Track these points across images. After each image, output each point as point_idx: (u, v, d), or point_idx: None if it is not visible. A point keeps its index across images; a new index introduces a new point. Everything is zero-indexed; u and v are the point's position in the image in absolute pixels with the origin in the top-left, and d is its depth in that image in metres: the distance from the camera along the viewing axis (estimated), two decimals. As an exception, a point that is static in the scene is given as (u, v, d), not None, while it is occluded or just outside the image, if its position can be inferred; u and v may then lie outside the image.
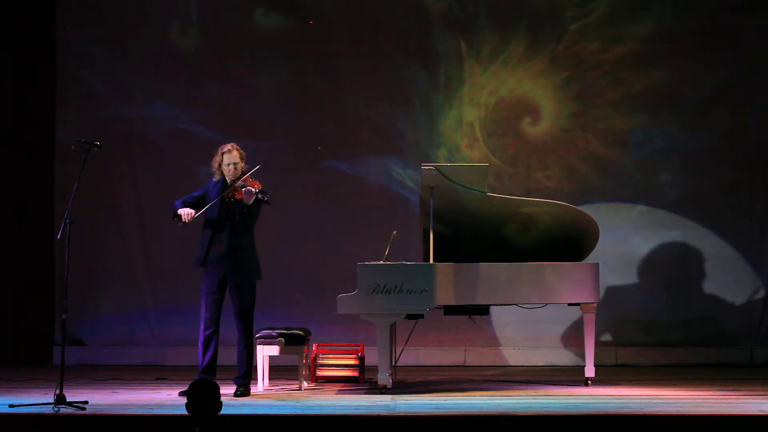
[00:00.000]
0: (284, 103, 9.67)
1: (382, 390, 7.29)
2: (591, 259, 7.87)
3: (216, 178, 7.42)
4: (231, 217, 7.28)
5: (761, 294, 9.55)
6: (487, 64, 9.73)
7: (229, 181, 7.32)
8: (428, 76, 9.73)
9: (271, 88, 9.68)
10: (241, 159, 7.34)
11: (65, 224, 6.69)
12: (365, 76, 9.68)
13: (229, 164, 7.30)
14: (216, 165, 7.37)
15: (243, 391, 7.28)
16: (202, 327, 7.34)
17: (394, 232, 7.69)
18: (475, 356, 9.49)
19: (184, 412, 5.02)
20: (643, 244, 9.61)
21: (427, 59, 9.74)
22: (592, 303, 7.62)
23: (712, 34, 9.62)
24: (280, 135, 9.61)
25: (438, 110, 9.72)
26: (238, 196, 7.21)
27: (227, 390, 7.12)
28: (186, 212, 7.25)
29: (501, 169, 9.66)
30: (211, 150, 7.44)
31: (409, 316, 7.45)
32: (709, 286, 9.54)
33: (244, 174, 7.28)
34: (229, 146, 7.37)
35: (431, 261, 7.45)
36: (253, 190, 7.14)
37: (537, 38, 9.73)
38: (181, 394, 7.04)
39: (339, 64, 9.70)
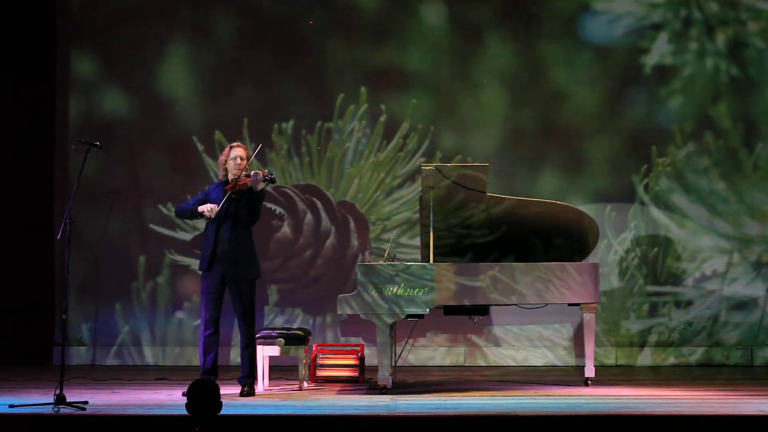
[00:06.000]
0: (276, 87, 9.62)
1: (382, 390, 7.29)
2: (591, 259, 7.87)
3: (221, 176, 7.47)
4: (234, 214, 7.29)
5: (758, 293, 9.56)
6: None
7: (231, 176, 7.36)
8: (428, 54, 9.68)
9: (264, 71, 9.63)
10: (247, 158, 7.38)
11: (65, 224, 6.69)
12: (362, 56, 9.64)
13: (235, 157, 7.34)
14: (223, 160, 7.43)
15: (248, 390, 7.29)
16: (202, 328, 7.34)
17: (394, 231, 7.70)
18: (475, 356, 9.49)
19: (184, 412, 5.02)
20: (639, 243, 9.61)
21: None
22: (592, 303, 7.63)
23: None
24: (273, 119, 9.57)
25: (440, 92, 9.66)
26: (243, 180, 7.24)
27: (228, 390, 7.13)
28: (209, 208, 7.26)
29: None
30: (210, 140, 7.43)
31: (409, 316, 7.45)
32: (710, 286, 9.54)
33: (249, 158, 7.41)
34: (237, 143, 7.53)
35: (431, 261, 7.45)
36: (260, 174, 7.19)
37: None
38: (185, 394, 7.05)
39: (333, 45, 9.64)
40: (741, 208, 9.55)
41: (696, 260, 9.54)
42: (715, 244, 9.54)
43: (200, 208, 7.28)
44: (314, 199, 9.53)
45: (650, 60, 9.60)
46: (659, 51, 9.61)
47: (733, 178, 9.57)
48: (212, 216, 7.24)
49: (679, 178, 9.58)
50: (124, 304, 9.53)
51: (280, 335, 7.70)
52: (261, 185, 7.23)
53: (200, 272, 7.42)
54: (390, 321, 7.32)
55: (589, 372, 7.70)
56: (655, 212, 9.56)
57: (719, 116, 9.58)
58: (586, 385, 7.71)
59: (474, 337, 9.47)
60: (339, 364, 8.05)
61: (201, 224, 7.43)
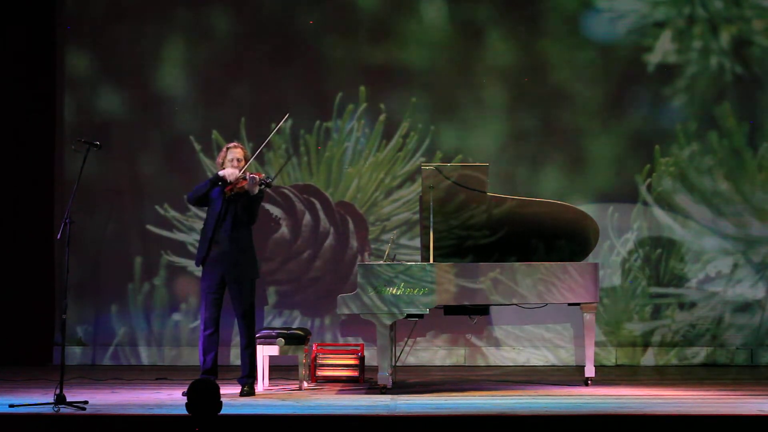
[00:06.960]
0: (274, 86, 9.60)
1: (382, 390, 7.28)
2: (592, 259, 7.85)
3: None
4: (232, 214, 7.28)
5: (761, 294, 9.53)
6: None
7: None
8: (428, 53, 9.64)
9: (262, 70, 9.61)
10: (245, 159, 7.37)
11: (65, 224, 6.69)
12: (361, 55, 9.61)
13: (232, 159, 7.34)
14: (220, 161, 7.44)
15: (248, 390, 7.28)
16: (202, 327, 7.34)
17: (395, 231, 7.69)
18: (475, 356, 9.47)
19: (184, 412, 5.01)
20: (642, 244, 9.58)
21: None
22: (592, 303, 7.61)
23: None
24: (271, 119, 9.54)
25: (440, 91, 9.65)
26: (242, 183, 7.23)
27: (228, 390, 7.12)
28: (230, 172, 7.26)
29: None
30: (207, 140, 7.43)
31: (409, 316, 7.43)
32: (710, 286, 9.52)
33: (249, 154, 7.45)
34: (234, 143, 7.51)
35: (431, 261, 7.43)
36: (257, 177, 7.18)
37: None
38: (185, 394, 7.04)
39: (332, 43, 9.62)
40: (745, 208, 9.52)
41: (699, 261, 9.51)
42: (719, 245, 9.51)
43: (221, 172, 7.29)
44: (313, 200, 9.51)
45: (653, 58, 9.58)
46: (662, 49, 9.59)
47: (738, 178, 9.54)
48: (233, 180, 7.23)
49: (682, 178, 9.56)
50: (120, 305, 9.52)
51: (280, 335, 7.69)
52: (258, 188, 7.22)
53: (198, 268, 7.43)
54: (389, 322, 7.30)
55: (590, 372, 7.68)
56: (658, 213, 9.54)
57: (723, 115, 9.55)
58: (586, 385, 7.70)
59: (474, 339, 9.45)
60: (339, 364, 8.04)
61: (198, 224, 7.41)
